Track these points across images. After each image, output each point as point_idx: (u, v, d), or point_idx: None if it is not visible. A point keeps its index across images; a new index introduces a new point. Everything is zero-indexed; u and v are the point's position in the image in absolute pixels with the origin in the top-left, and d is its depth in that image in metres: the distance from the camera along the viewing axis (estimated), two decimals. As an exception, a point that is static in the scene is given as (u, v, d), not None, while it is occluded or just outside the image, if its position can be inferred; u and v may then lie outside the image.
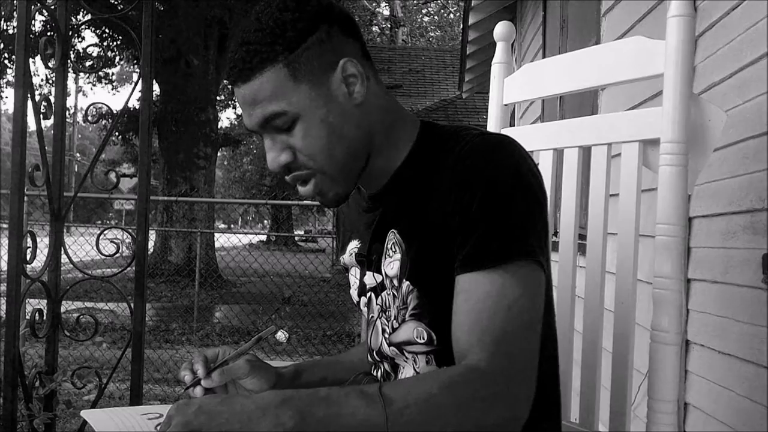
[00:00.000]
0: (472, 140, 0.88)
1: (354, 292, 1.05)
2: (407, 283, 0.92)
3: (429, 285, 0.90)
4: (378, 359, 1.03)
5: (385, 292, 0.97)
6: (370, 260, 0.99)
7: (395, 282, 0.94)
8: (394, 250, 0.93)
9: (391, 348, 0.97)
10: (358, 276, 1.03)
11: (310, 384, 1.07)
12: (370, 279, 0.99)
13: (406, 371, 0.97)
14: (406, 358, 0.96)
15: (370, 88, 0.91)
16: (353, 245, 1.04)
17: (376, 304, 1.00)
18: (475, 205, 0.83)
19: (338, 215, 1.15)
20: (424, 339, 0.92)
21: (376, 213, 0.98)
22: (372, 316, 1.02)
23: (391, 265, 0.94)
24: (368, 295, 1.01)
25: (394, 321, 0.96)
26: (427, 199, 0.90)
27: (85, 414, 0.95)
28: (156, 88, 11.65)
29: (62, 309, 1.91)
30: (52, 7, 1.85)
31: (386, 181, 0.96)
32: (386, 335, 0.98)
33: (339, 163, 0.90)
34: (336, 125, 0.88)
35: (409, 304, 0.92)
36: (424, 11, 26.77)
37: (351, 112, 0.89)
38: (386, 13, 24.75)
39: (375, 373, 1.05)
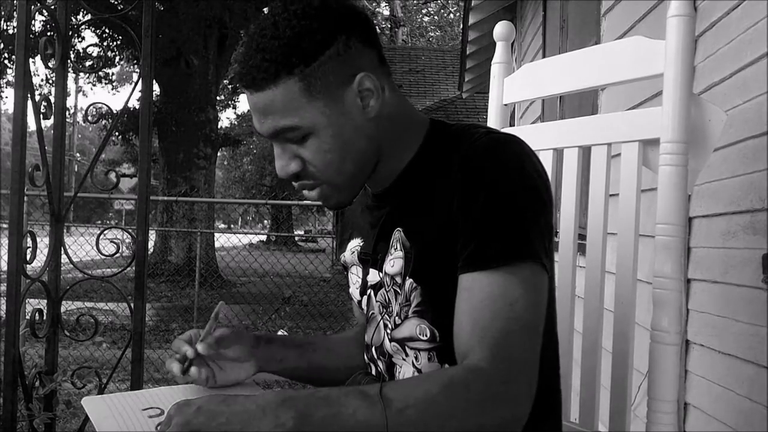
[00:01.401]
0: (479, 139, 0.88)
1: (356, 291, 1.05)
2: (410, 280, 0.92)
3: (432, 283, 0.90)
4: (376, 356, 1.03)
5: (383, 289, 0.97)
6: (375, 259, 0.99)
7: (397, 279, 0.94)
8: (395, 247, 0.94)
9: (393, 344, 0.97)
10: (361, 274, 1.03)
11: (282, 353, 1.09)
12: (373, 277, 1.00)
13: (404, 370, 0.97)
14: (406, 354, 0.96)
15: (385, 98, 0.90)
16: (354, 243, 1.05)
17: (376, 301, 1.00)
18: (480, 204, 0.83)
19: (341, 212, 1.15)
20: (426, 336, 0.92)
21: (381, 212, 0.98)
22: (373, 314, 1.02)
23: (392, 262, 0.94)
24: (368, 292, 1.01)
25: (396, 317, 0.96)
26: (433, 197, 0.90)
27: (86, 402, 0.95)
28: (156, 88, 11.65)
29: (62, 309, 1.91)
30: (52, 7, 1.85)
31: (392, 181, 0.96)
32: (388, 331, 0.98)
33: (347, 175, 0.91)
34: (348, 140, 0.88)
35: (412, 302, 0.93)
36: (424, 11, 26.78)
37: (364, 125, 0.89)
38: (386, 13, 24.76)
39: (372, 373, 1.05)
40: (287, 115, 0.85)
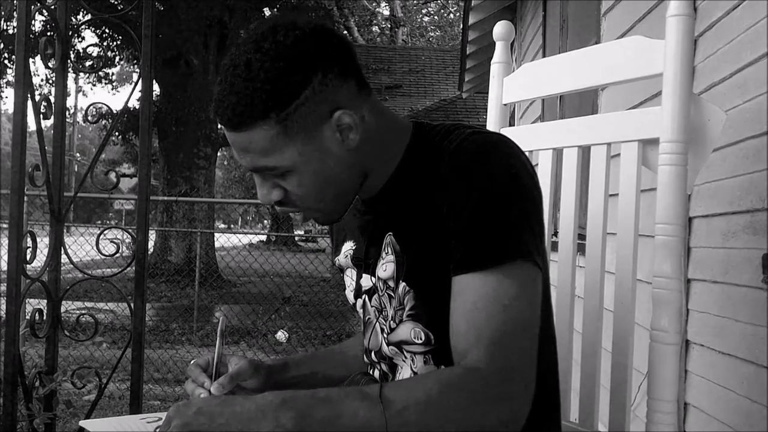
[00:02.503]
0: (465, 139, 0.87)
1: (350, 294, 1.05)
2: (404, 284, 0.92)
3: (425, 286, 0.90)
4: (376, 360, 1.03)
5: (377, 294, 0.97)
6: (367, 264, 0.98)
7: (390, 283, 0.94)
8: (387, 252, 0.93)
9: (391, 347, 0.98)
10: (355, 278, 1.03)
11: (298, 378, 1.07)
12: (367, 281, 0.99)
13: (404, 371, 0.97)
14: (405, 357, 0.96)
15: (365, 125, 0.88)
16: (348, 247, 1.04)
17: (371, 305, 1.00)
18: (470, 205, 0.83)
19: None
20: (421, 339, 0.92)
21: (370, 216, 0.98)
22: (369, 318, 1.01)
23: (384, 267, 0.94)
24: (363, 297, 1.01)
25: (392, 321, 0.96)
26: (422, 201, 0.89)
27: (84, 424, 0.95)
28: (156, 88, 11.65)
29: (62, 309, 1.91)
30: (52, 7, 1.85)
31: (380, 188, 0.95)
32: (385, 335, 0.98)
33: (330, 203, 0.91)
34: (329, 174, 0.87)
35: (406, 305, 0.93)
36: (424, 11, 26.77)
37: (344, 157, 0.88)
38: (386, 13, 24.74)
39: (372, 374, 1.05)
40: (265, 155, 0.84)
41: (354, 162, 0.89)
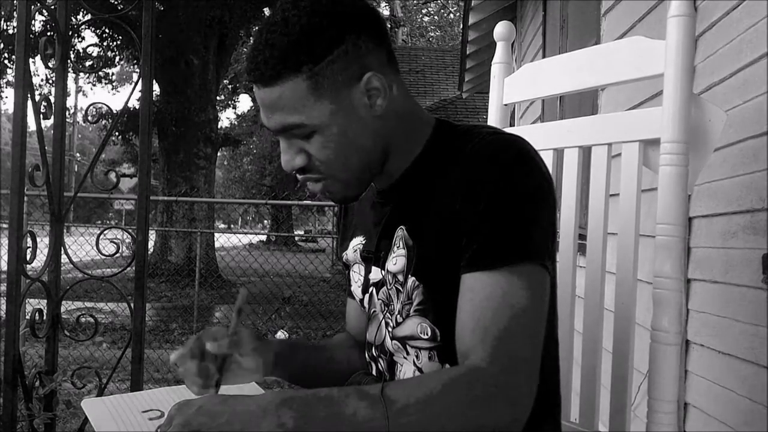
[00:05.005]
0: (484, 138, 0.88)
1: (357, 289, 1.05)
2: (413, 278, 0.92)
3: (435, 282, 0.90)
4: (376, 354, 1.03)
5: (384, 287, 0.97)
6: (377, 257, 0.98)
7: (399, 277, 0.94)
8: (398, 245, 0.94)
9: (394, 342, 0.97)
10: (363, 273, 1.03)
11: (293, 369, 1.07)
12: (376, 274, 1.00)
13: (405, 368, 0.97)
14: (407, 353, 0.96)
15: (392, 96, 0.90)
16: (357, 241, 1.04)
17: (378, 298, 1.00)
18: (483, 204, 0.83)
19: (343, 208, 1.15)
20: (427, 335, 0.92)
21: (385, 209, 0.98)
22: (374, 311, 1.01)
23: (394, 260, 0.94)
24: (370, 290, 1.01)
25: (398, 315, 0.96)
26: (437, 196, 0.90)
27: (85, 404, 0.95)
28: (156, 88, 11.64)
29: (62, 309, 1.92)
30: (52, 7, 1.85)
31: (397, 178, 0.96)
32: (390, 329, 0.98)
33: (354, 172, 0.91)
34: (354, 137, 0.88)
35: (414, 300, 0.93)
36: (424, 11, 26.78)
37: (370, 123, 0.89)
38: (386, 13, 24.75)
39: (372, 372, 1.05)
40: (294, 112, 0.85)
41: (379, 132, 0.90)
